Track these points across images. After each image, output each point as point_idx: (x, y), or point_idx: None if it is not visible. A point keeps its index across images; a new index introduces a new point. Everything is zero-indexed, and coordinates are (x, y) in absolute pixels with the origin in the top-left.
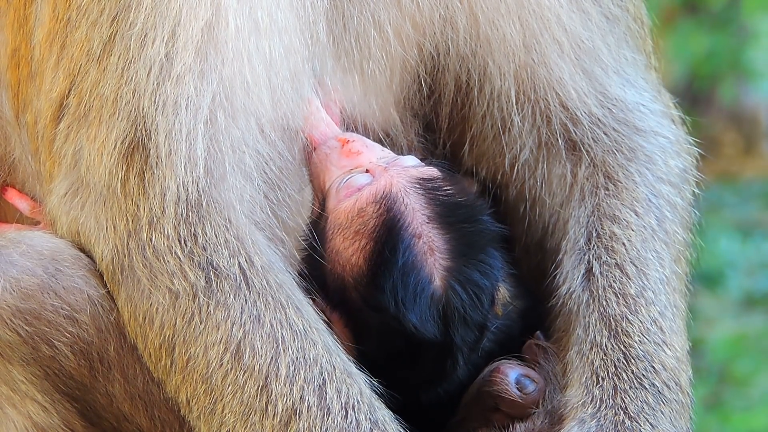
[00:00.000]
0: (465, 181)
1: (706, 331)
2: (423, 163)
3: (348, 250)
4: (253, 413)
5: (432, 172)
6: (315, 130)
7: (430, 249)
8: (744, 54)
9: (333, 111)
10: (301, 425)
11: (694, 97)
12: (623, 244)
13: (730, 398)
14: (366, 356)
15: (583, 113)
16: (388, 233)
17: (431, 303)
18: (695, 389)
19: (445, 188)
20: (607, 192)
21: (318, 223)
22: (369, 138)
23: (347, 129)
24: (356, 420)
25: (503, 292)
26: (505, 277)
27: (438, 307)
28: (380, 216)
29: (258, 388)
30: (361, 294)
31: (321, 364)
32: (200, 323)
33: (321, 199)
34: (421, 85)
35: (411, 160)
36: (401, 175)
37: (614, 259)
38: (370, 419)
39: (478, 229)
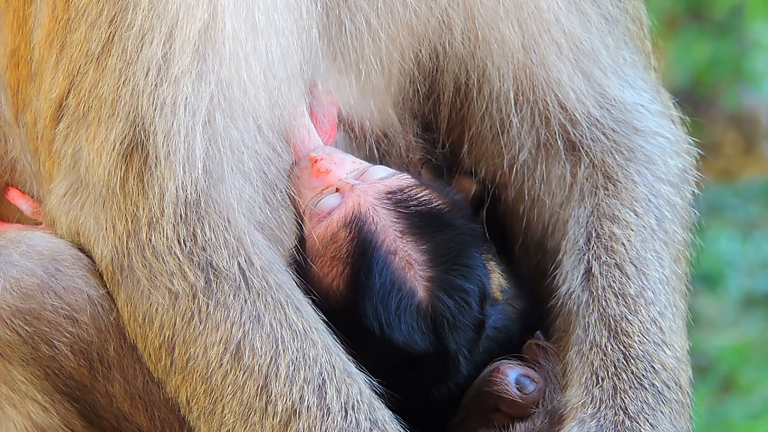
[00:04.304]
0: (438, 184)
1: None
2: (394, 172)
3: (327, 276)
4: (252, 413)
5: (401, 182)
6: (296, 137)
7: (408, 263)
8: (746, 62)
9: (328, 113)
10: (300, 425)
11: (696, 102)
12: (623, 244)
13: (733, 407)
14: (367, 358)
15: (582, 114)
16: (361, 257)
17: (418, 316)
18: (695, 390)
19: (416, 198)
20: (606, 192)
21: (300, 246)
22: (368, 139)
23: (344, 130)
24: (356, 420)
25: (496, 280)
26: (493, 270)
27: (426, 318)
28: (352, 240)
29: (258, 388)
30: (347, 317)
31: (321, 364)
32: (200, 323)
33: (300, 221)
34: (419, 86)
35: (380, 171)
36: (368, 193)
37: (614, 259)
38: (369, 419)
39: (453, 234)
